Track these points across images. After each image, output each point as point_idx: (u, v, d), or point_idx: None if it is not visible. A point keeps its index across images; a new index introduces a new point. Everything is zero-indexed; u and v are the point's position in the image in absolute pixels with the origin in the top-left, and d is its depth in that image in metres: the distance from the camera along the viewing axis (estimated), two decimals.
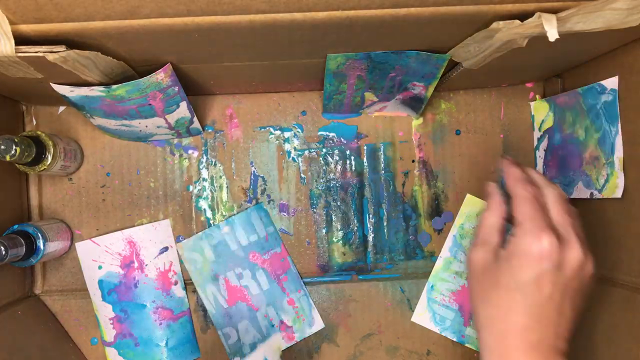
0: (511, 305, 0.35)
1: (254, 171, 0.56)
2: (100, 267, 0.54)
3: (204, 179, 0.56)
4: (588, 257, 0.37)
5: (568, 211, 0.38)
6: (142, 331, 0.54)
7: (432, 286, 0.56)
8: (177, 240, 0.55)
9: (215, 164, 0.56)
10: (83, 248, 0.54)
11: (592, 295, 0.38)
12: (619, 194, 0.44)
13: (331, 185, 0.57)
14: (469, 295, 0.41)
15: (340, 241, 0.57)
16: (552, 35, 0.31)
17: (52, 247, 0.50)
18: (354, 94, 0.51)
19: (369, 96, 0.52)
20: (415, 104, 0.52)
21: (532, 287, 0.35)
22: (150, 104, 0.45)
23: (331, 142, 0.57)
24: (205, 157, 0.56)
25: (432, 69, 0.45)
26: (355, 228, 0.57)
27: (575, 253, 0.36)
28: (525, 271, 0.35)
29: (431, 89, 0.48)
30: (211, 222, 0.56)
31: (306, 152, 0.57)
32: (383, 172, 0.57)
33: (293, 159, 0.57)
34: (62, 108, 0.55)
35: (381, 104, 0.54)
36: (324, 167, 0.57)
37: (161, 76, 0.41)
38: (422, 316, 0.56)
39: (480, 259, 0.38)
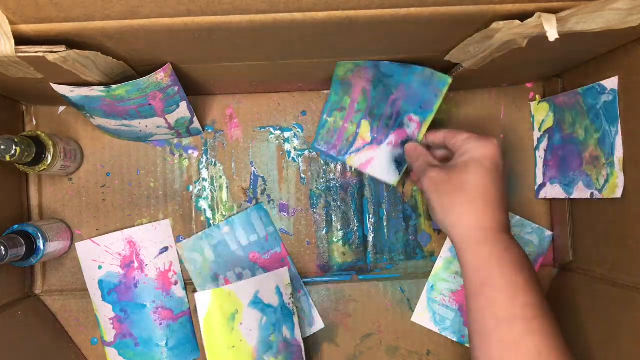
0: (483, 188, 0.42)
1: (254, 171, 0.56)
2: (100, 267, 0.54)
3: (204, 179, 0.56)
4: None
5: None
6: (142, 331, 0.54)
7: (432, 286, 0.56)
8: (177, 240, 0.55)
9: (215, 164, 0.56)
10: (83, 248, 0.54)
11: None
12: (618, 194, 0.44)
13: (331, 185, 0.57)
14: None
15: (340, 241, 0.57)
16: (552, 35, 0.31)
17: (52, 247, 0.50)
18: (352, 117, 0.51)
19: (364, 130, 0.52)
20: (401, 162, 0.52)
21: (495, 173, 0.43)
22: (150, 104, 0.45)
23: None
24: (205, 157, 0.56)
25: (431, 94, 0.45)
26: (355, 228, 0.57)
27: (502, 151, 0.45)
28: (490, 162, 0.43)
29: (424, 130, 0.49)
30: (211, 222, 0.56)
31: (306, 152, 0.57)
32: None
33: (293, 159, 0.57)
34: (62, 108, 0.55)
35: (371, 149, 0.53)
36: (324, 167, 0.57)
37: (161, 76, 0.41)
38: (422, 316, 0.56)
39: (436, 176, 0.44)
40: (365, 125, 0.52)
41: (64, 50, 0.33)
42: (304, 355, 0.51)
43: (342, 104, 0.51)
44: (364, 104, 0.50)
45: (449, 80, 0.45)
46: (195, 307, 0.56)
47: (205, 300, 0.44)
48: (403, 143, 0.51)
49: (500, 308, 0.39)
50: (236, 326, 0.45)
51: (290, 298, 0.49)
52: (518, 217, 0.56)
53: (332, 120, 0.53)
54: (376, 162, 0.53)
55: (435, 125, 0.48)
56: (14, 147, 0.44)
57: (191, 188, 0.56)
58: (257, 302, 0.46)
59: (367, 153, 0.53)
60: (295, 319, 0.49)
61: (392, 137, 0.52)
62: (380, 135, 0.52)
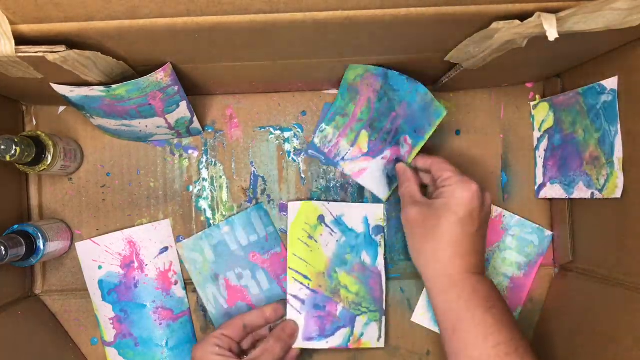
0: (452, 236, 0.43)
1: (254, 171, 0.56)
2: (100, 267, 0.54)
3: (204, 179, 0.56)
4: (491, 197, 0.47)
5: None
6: (142, 331, 0.54)
7: None
8: (177, 240, 0.55)
9: (215, 164, 0.56)
10: (83, 248, 0.54)
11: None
12: (618, 194, 0.44)
13: (331, 185, 0.57)
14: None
15: None
16: (552, 35, 0.31)
17: (52, 247, 0.50)
18: (353, 125, 0.51)
19: (362, 140, 0.52)
20: (393, 178, 0.54)
21: (467, 220, 0.43)
22: (150, 104, 0.45)
23: None
24: (205, 157, 0.56)
25: (426, 122, 0.46)
26: None
27: (489, 194, 0.46)
28: (463, 209, 0.43)
29: (413, 155, 0.49)
30: (211, 222, 0.56)
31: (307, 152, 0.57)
32: None
33: (293, 159, 0.57)
34: (62, 108, 0.55)
35: (366, 160, 0.54)
36: (324, 167, 0.57)
37: (161, 75, 0.41)
38: (422, 316, 0.56)
39: (418, 212, 0.46)
40: (364, 136, 0.53)
41: (64, 50, 0.33)
42: (383, 285, 0.54)
43: (346, 110, 0.52)
44: (367, 114, 0.50)
45: (444, 112, 0.46)
46: (195, 307, 0.56)
47: (295, 209, 0.53)
48: (396, 160, 0.52)
49: (474, 349, 0.41)
50: (316, 235, 0.53)
51: (378, 235, 0.54)
52: (518, 217, 0.56)
53: (333, 125, 0.53)
54: (369, 173, 0.54)
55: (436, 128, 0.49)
56: (14, 147, 0.44)
57: (191, 188, 0.56)
58: (339, 223, 0.53)
59: (362, 163, 0.54)
60: (380, 251, 0.54)
61: (388, 153, 0.53)
62: (377, 148, 0.53)
